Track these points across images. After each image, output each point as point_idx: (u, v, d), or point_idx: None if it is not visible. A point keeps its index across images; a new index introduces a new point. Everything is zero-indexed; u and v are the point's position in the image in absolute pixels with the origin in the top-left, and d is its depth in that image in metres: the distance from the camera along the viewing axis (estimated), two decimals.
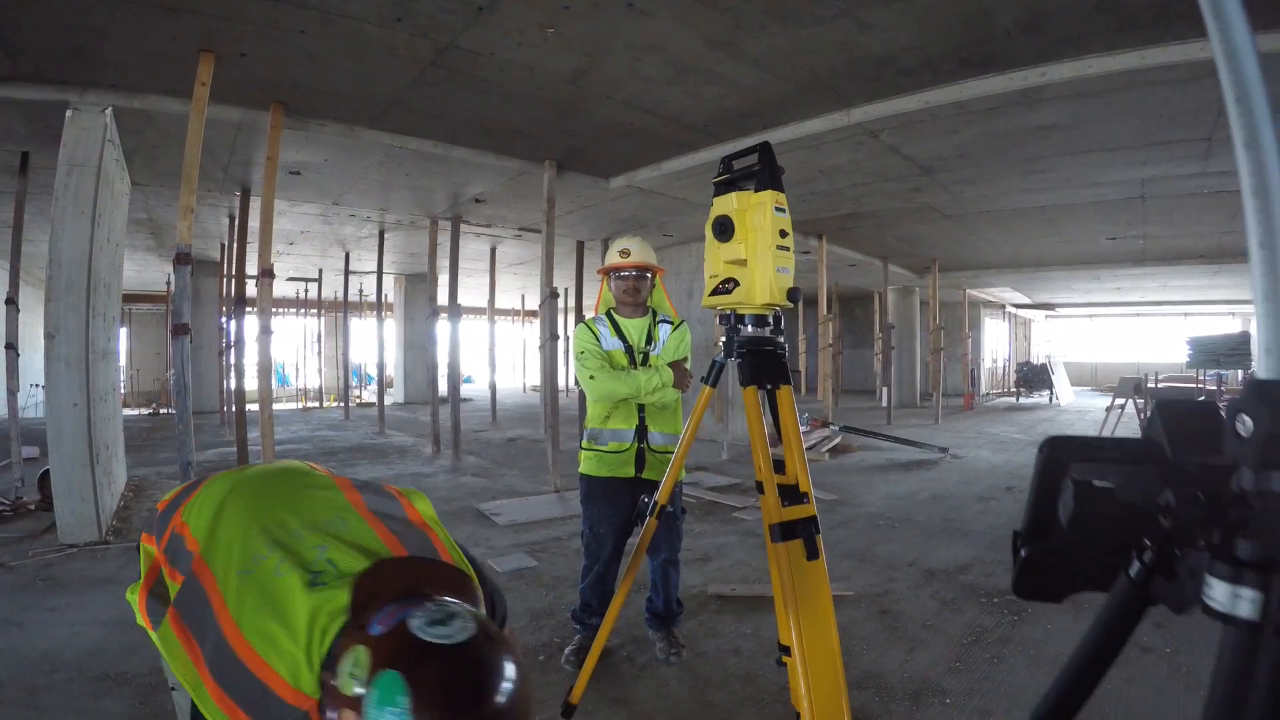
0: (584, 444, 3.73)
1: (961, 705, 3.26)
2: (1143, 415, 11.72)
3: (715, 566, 5.37)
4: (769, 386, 1.99)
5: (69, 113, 5.87)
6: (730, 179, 1.99)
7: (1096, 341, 32.77)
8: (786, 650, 1.81)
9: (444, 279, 11.60)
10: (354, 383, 18.41)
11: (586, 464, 3.70)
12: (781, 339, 2.03)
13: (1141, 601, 0.70)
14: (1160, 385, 13.40)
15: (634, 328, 3.71)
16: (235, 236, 9.43)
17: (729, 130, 7.32)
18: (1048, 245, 14.44)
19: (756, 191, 1.89)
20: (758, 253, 1.85)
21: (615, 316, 3.75)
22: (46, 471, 6.65)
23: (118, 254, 7.18)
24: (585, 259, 13.55)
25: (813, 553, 1.76)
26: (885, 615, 4.32)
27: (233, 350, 9.41)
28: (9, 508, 6.59)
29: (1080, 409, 19.24)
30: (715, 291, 1.98)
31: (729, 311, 2.01)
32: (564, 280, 15.04)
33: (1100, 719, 3.13)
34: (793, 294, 1.93)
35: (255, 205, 9.30)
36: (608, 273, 3.77)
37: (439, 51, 5.34)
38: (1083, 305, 28.72)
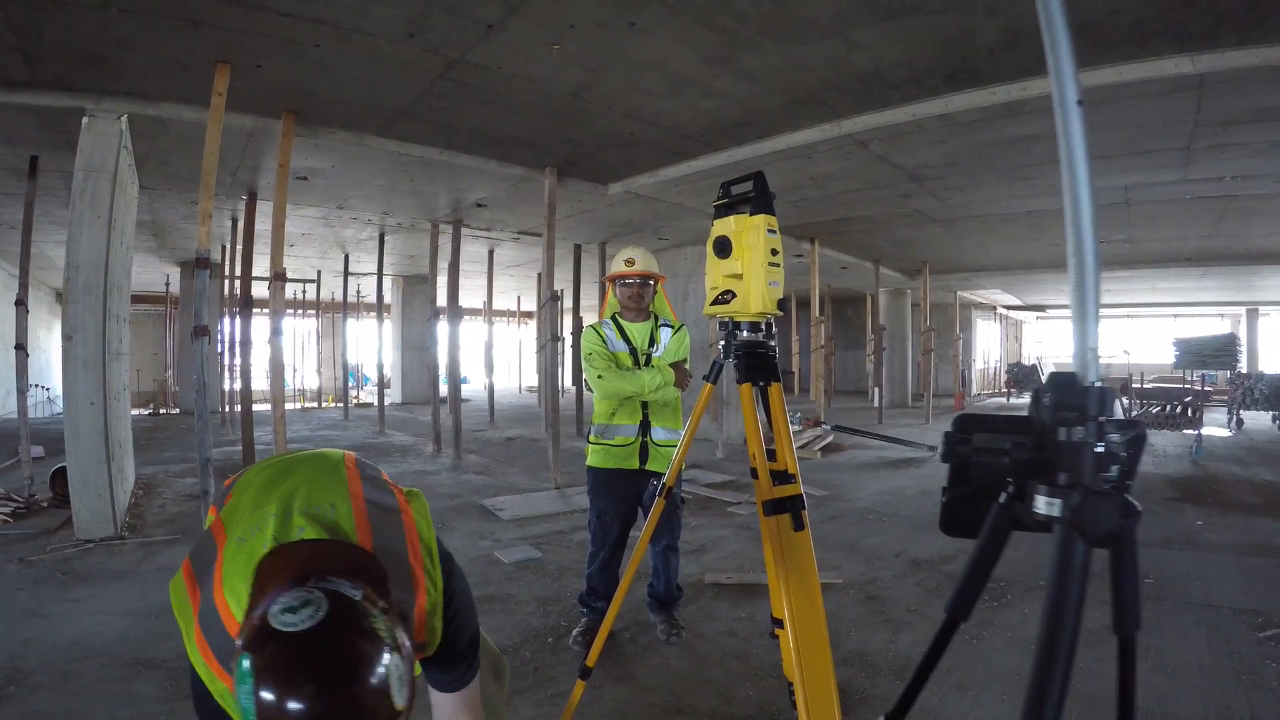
0: (591, 438, 4.02)
1: (941, 680, 3.49)
2: (1126, 413, 11.98)
3: (711, 557, 5.64)
4: (761, 384, 2.26)
5: (85, 119, 6.01)
6: (729, 203, 2.26)
7: None
8: (779, 624, 2.07)
9: (442, 280, 11.81)
10: (350, 384, 18.51)
11: (594, 457, 3.98)
12: (773, 343, 2.29)
13: (1007, 521, 0.99)
14: (1146, 385, 13.67)
15: (637, 331, 3.99)
16: (241, 239, 9.60)
17: (724, 140, 7.55)
18: (1036, 248, 14.62)
19: (752, 215, 2.16)
20: (752, 269, 2.13)
21: (620, 321, 4.02)
22: (59, 469, 6.79)
23: (128, 257, 7.33)
24: (583, 262, 13.79)
25: (798, 524, 2.04)
26: (872, 600, 4.57)
27: (239, 351, 9.54)
28: (23, 505, 6.71)
29: None
30: (715, 302, 2.24)
31: (727, 319, 2.27)
32: (562, 283, 15.24)
33: (1073, 695, 3.37)
34: (781, 304, 2.19)
35: (262, 209, 9.50)
36: (613, 280, 4.04)
37: (449, 65, 5.56)
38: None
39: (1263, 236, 12.77)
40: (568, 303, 16.38)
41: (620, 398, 3.84)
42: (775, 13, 4.74)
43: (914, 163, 8.20)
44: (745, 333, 2.25)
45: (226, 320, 13.46)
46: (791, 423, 13.18)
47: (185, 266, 16.03)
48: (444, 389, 11.89)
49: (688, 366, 3.98)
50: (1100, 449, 1.01)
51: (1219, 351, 17.07)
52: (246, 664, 1.08)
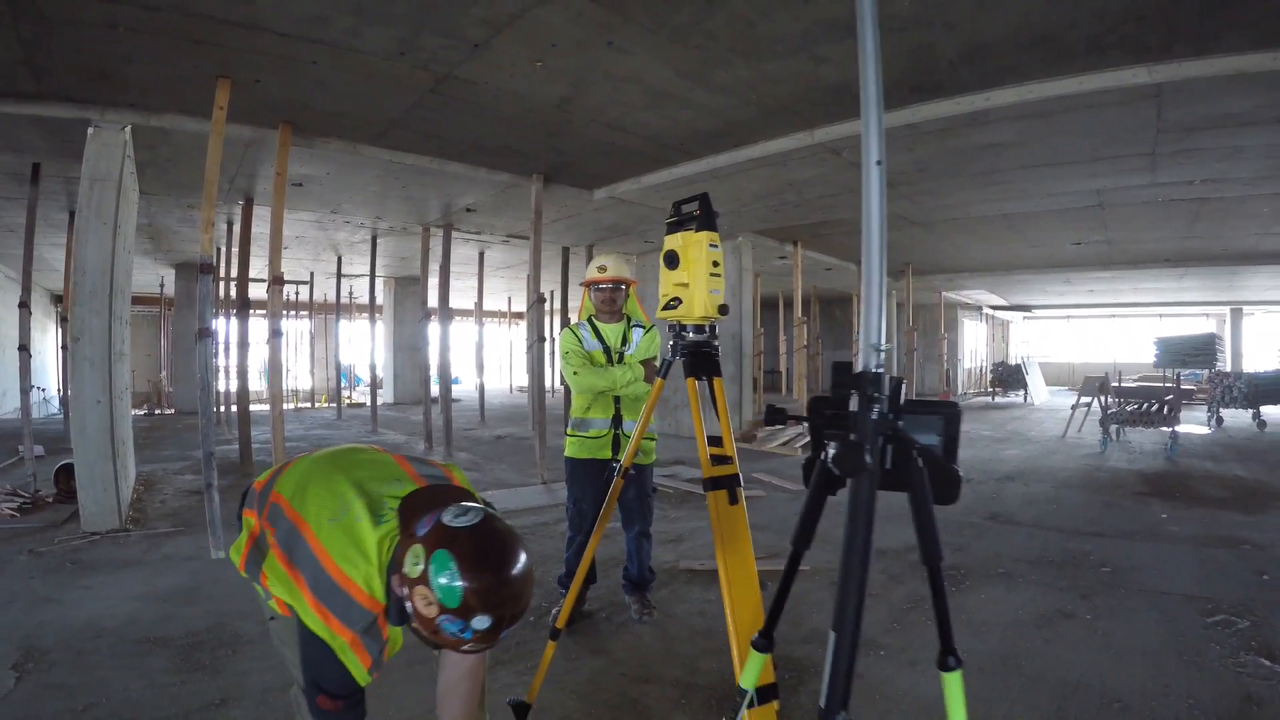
0: (569, 431, 4.36)
1: (894, 657, 3.82)
2: (1106, 411, 12.27)
3: (687, 546, 5.97)
4: (705, 378, 2.59)
5: (90, 130, 6.23)
6: (678, 220, 2.58)
7: (1073, 342, 33.33)
8: None
9: (433, 282, 12.03)
10: (343, 384, 18.69)
11: (571, 448, 4.31)
12: (716, 342, 2.61)
13: (827, 471, 1.33)
14: (1125, 384, 13.91)
15: (611, 331, 4.31)
16: (238, 242, 9.82)
17: (703, 148, 7.85)
18: (1016, 250, 14.90)
19: (697, 232, 2.48)
20: (696, 279, 2.45)
21: (595, 322, 4.35)
22: (63, 466, 7.04)
23: (129, 260, 7.56)
24: (570, 264, 14.05)
25: (733, 499, 2.41)
26: (835, 588, 4.84)
27: (236, 352, 9.76)
28: (29, 500, 6.92)
29: (1052, 408, 19.75)
30: (665, 307, 2.56)
31: (675, 322, 2.59)
32: (549, 284, 15.46)
33: (1017, 671, 3.67)
34: (723, 309, 2.51)
35: (257, 213, 9.71)
36: (588, 285, 4.36)
37: (438, 80, 5.83)
38: (1058, 307, 29.21)
39: (1240, 238, 13.02)
40: (556, 304, 16.66)
41: (594, 392, 4.16)
42: (745, 32, 5.03)
43: (887, 169, 8.43)
44: (691, 334, 2.57)
45: (221, 321, 13.60)
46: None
47: (180, 269, 16.23)
48: (435, 389, 12.13)
49: (658, 364, 4.30)
50: (874, 415, 1.34)
51: (1198, 351, 17.39)
52: (444, 555, 1.52)
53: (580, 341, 4.26)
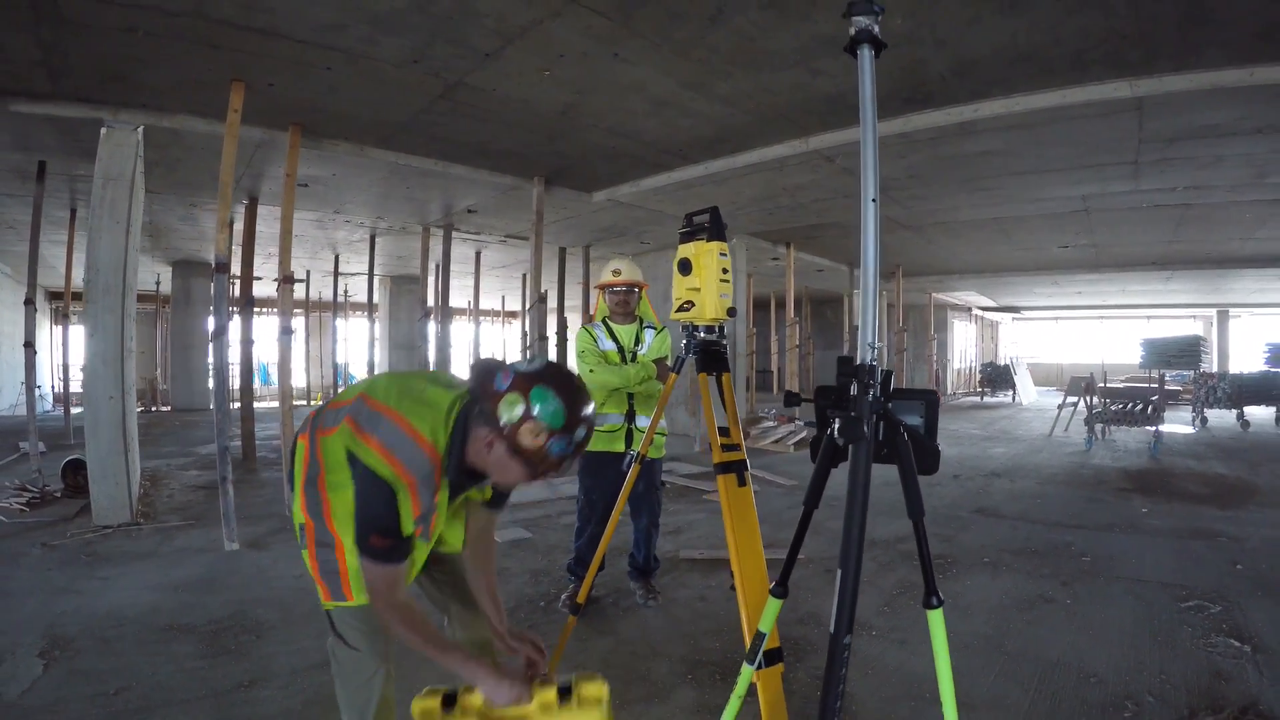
0: None
1: (885, 636, 4.07)
2: (1091, 411, 12.52)
3: (686, 537, 6.21)
4: (716, 374, 2.85)
5: (104, 130, 6.33)
6: (690, 230, 2.83)
7: (1062, 343, 33.66)
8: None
9: (431, 280, 12.18)
10: (339, 382, 18.75)
11: None
12: (725, 341, 2.88)
13: (832, 444, 1.61)
14: (1110, 385, 14.18)
15: (624, 332, 4.56)
16: (242, 241, 9.95)
17: (701, 154, 8.07)
18: (1004, 252, 15.14)
19: (708, 241, 2.74)
20: (708, 284, 2.71)
21: (609, 323, 4.59)
22: (70, 461, 7.14)
23: (136, 258, 7.67)
24: (567, 264, 14.25)
25: (741, 482, 2.67)
26: (830, 574, 5.02)
27: (240, 349, 9.90)
28: (38, 495, 6.99)
29: (1040, 408, 20.00)
30: (679, 310, 2.83)
31: (689, 323, 2.85)
32: (546, 284, 15.59)
33: (1000, 649, 3.90)
34: (731, 312, 2.78)
35: (263, 212, 9.89)
36: (602, 288, 4.61)
37: (448, 87, 6.04)
38: (1047, 308, 29.47)
39: (1224, 242, 13.27)
40: (552, 303, 16.80)
41: (609, 389, 4.38)
42: (745, 45, 5.26)
43: (879, 175, 8.61)
44: (702, 334, 2.83)
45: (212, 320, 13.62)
46: (768, 419, 13.70)
47: (177, 266, 16.32)
48: None
49: (670, 364, 4.52)
50: (869, 397, 1.66)
51: (1183, 352, 17.61)
52: (541, 389, 1.88)
53: (595, 341, 4.49)
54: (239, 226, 10.18)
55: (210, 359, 15.03)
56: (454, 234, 12.33)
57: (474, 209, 10.92)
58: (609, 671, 3.47)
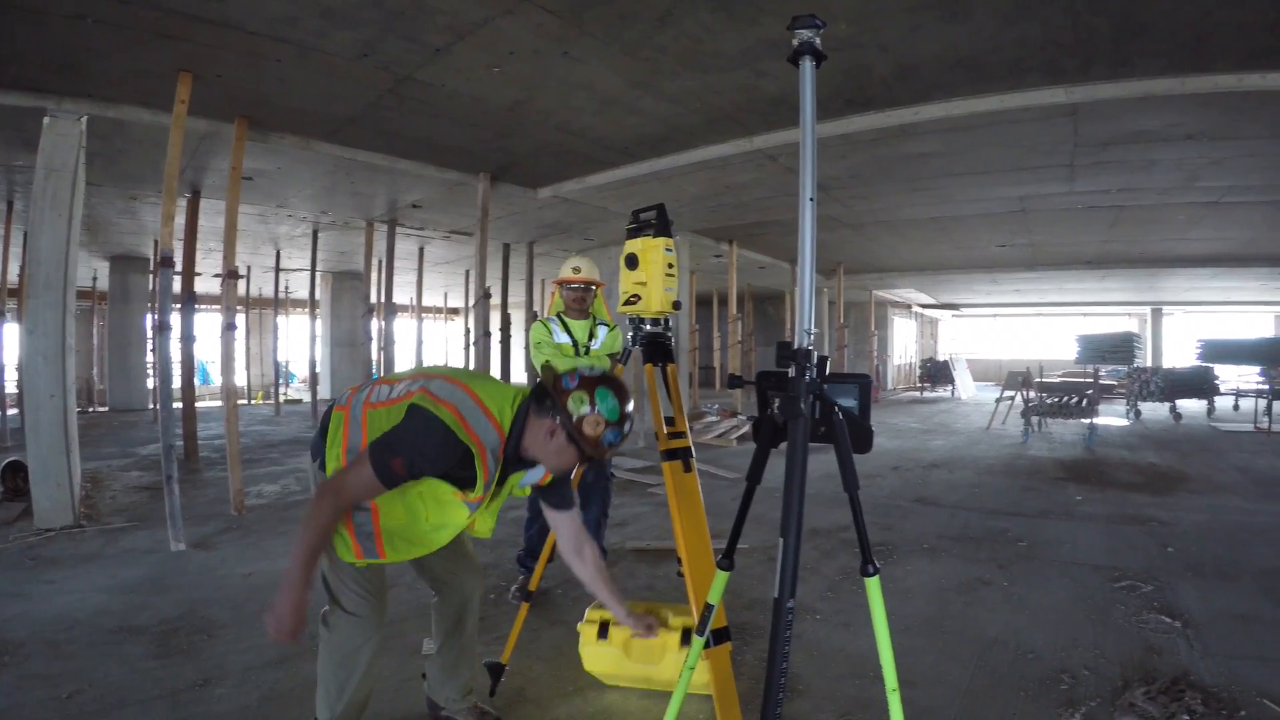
0: None
1: (829, 620, 4.20)
2: (1028, 404, 12.90)
3: (633, 529, 6.34)
4: (661, 365, 2.96)
5: (47, 120, 6.14)
6: (637, 226, 2.93)
7: (1001, 339, 34.25)
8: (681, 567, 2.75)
9: (372, 276, 12.08)
10: (280, 381, 18.37)
11: None
12: (670, 334, 2.99)
13: (773, 424, 1.74)
14: (1047, 379, 14.60)
15: (578, 328, 4.67)
16: (184, 235, 9.75)
17: (646, 151, 8.18)
18: (944, 251, 15.47)
19: (654, 237, 2.85)
20: (654, 278, 2.82)
21: (564, 319, 4.69)
22: (10, 463, 6.92)
23: (76, 253, 7.48)
24: (510, 260, 14.25)
25: (687, 468, 2.81)
26: (773, 561, 5.15)
27: (181, 346, 9.70)
28: None
29: (979, 402, 20.44)
30: (626, 303, 2.93)
31: (635, 316, 2.96)
32: (491, 280, 15.49)
33: (940, 630, 4.07)
34: (676, 305, 2.89)
35: (206, 206, 9.72)
36: (560, 284, 4.71)
37: (397, 81, 6.03)
38: (986, 305, 30.06)
39: (1157, 243, 13.72)
40: (496, 299, 16.72)
41: None
42: (692, 47, 5.37)
43: (821, 174, 8.62)
44: (649, 326, 2.94)
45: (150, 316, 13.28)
46: (711, 414, 13.85)
47: (115, 261, 15.84)
48: None
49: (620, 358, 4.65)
50: (806, 378, 1.79)
51: (1117, 348, 18.09)
52: (604, 390, 2.25)
53: (551, 333, 4.61)
54: (180, 221, 9.95)
55: (150, 357, 14.86)
56: (398, 229, 12.25)
57: (419, 204, 10.89)
58: (560, 660, 3.55)
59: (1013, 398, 14.14)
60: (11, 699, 3.21)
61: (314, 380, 14.92)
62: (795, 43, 1.82)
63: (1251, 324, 28.63)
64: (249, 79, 6.01)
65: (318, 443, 2.51)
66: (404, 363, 23.91)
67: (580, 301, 4.65)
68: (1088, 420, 12.40)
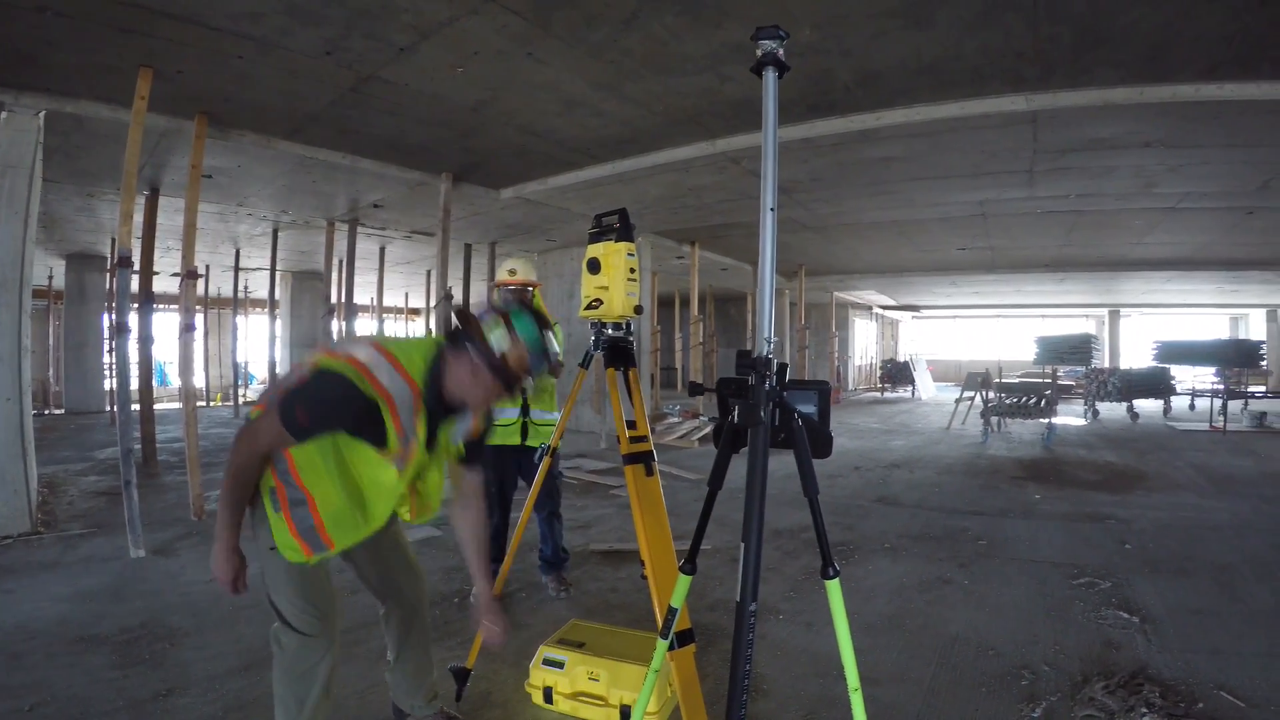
0: None
1: (791, 619, 4.25)
2: (987, 404, 13.09)
3: (596, 531, 6.34)
4: (623, 369, 2.99)
5: (3, 114, 6.03)
6: (600, 231, 2.95)
7: (961, 340, 34.88)
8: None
9: (333, 276, 11.94)
10: (239, 382, 18.09)
11: None
12: (631, 338, 3.01)
13: (733, 429, 1.78)
14: (1006, 380, 14.86)
15: None
16: (142, 234, 9.58)
17: (609, 153, 8.19)
18: (905, 254, 15.62)
19: (616, 242, 2.87)
20: (615, 283, 2.84)
21: None
22: None
23: (33, 251, 7.34)
24: (473, 260, 14.23)
25: (649, 472, 2.83)
26: (736, 562, 5.22)
27: (139, 346, 9.53)
28: None
29: (938, 402, 20.74)
30: (588, 307, 2.94)
31: (597, 320, 2.97)
32: (452, 280, 15.39)
33: (902, 628, 4.13)
34: (638, 309, 2.91)
35: (164, 204, 9.59)
36: (498, 286, 4.74)
37: (360, 80, 5.99)
38: (946, 307, 30.46)
39: (1114, 247, 14.01)
40: (457, 299, 16.56)
41: None
42: (657, 50, 5.40)
43: (783, 178, 8.83)
44: (610, 330, 2.96)
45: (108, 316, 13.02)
46: (672, 415, 13.89)
47: (71, 259, 15.49)
48: None
49: (561, 359, 4.66)
50: (766, 386, 1.83)
51: (1075, 349, 18.42)
52: (516, 312, 2.29)
53: None
54: (139, 219, 9.79)
55: (107, 358, 14.57)
56: (359, 229, 12.17)
57: (380, 204, 10.80)
58: (524, 664, 3.54)
59: (972, 398, 14.31)
60: None
61: (273, 381, 14.64)
62: (759, 53, 1.84)
63: (1207, 326, 29.46)
64: (210, 75, 5.93)
65: None
66: None
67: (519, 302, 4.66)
68: (1046, 420, 12.62)
